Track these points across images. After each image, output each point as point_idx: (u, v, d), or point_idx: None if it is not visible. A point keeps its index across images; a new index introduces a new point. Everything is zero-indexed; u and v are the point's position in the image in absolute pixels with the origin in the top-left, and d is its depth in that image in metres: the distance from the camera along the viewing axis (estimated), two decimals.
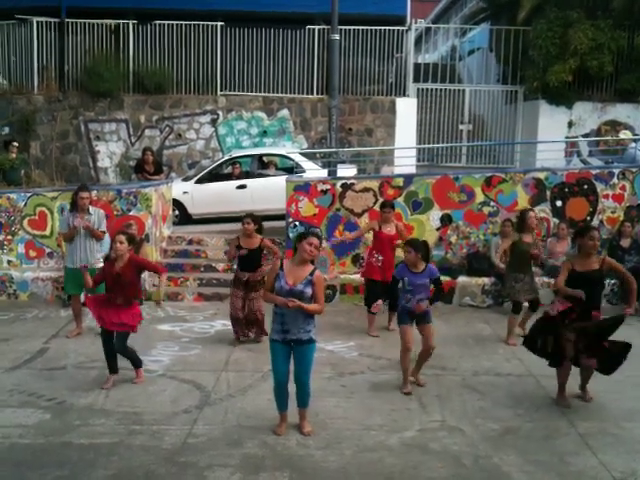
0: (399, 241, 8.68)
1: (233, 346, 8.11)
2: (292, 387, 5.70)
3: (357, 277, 10.05)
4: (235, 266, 8.60)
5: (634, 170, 10.65)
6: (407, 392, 6.64)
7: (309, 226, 10.45)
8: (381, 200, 10.02)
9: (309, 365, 5.64)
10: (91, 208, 8.50)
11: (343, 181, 10.66)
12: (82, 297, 8.39)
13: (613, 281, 9.72)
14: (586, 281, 6.20)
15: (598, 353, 6.21)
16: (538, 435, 5.76)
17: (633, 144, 12.33)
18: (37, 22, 15.91)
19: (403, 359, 6.74)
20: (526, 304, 8.47)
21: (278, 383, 5.66)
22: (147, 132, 15.87)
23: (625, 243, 10.03)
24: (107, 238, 8.58)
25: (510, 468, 5.18)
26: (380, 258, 8.57)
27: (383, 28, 15.92)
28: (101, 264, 7.76)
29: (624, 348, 6.22)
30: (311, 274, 5.48)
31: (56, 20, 15.92)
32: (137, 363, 6.93)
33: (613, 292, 9.83)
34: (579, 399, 6.49)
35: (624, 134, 13.21)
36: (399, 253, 8.42)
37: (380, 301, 8.13)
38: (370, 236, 9.27)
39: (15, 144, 12.96)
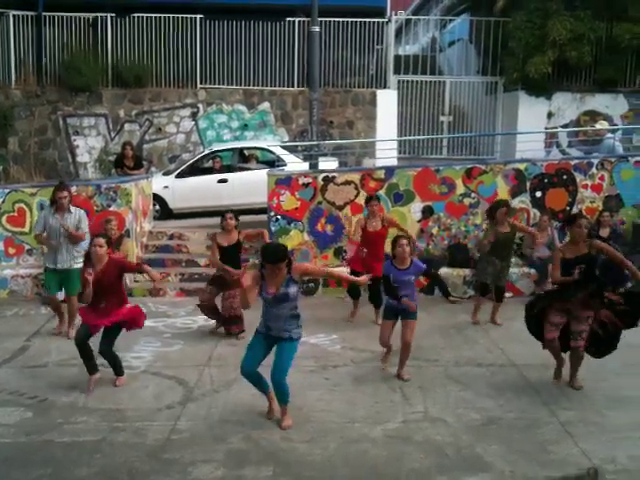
0: (395, 229, 8.68)
1: (216, 341, 8.10)
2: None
3: (340, 270, 10.05)
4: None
5: (613, 160, 10.75)
6: (383, 367, 6.97)
7: (290, 220, 10.47)
8: (364, 194, 10.02)
9: (285, 363, 5.61)
10: (72, 208, 8.32)
11: (325, 174, 10.65)
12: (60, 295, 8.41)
13: None
14: (573, 267, 6.29)
15: (591, 338, 6.34)
16: (520, 425, 5.81)
17: (610, 134, 12.43)
18: (14, 15, 15.74)
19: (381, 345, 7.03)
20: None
21: (241, 370, 5.71)
22: (127, 126, 15.76)
23: (604, 233, 10.10)
24: (88, 237, 8.50)
25: (493, 458, 5.23)
26: (365, 251, 8.57)
27: (363, 20, 15.91)
28: (81, 264, 7.58)
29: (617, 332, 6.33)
30: (288, 272, 5.51)
31: (33, 13, 15.74)
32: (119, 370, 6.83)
33: None
34: (570, 387, 6.56)
35: (600, 124, 13.31)
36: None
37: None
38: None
39: None
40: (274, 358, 5.65)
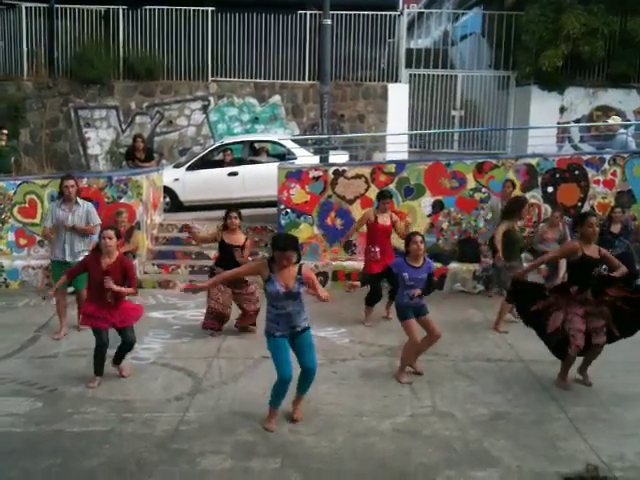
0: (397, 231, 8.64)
1: (223, 335, 8.12)
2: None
3: (349, 263, 10.17)
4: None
5: (625, 156, 10.68)
6: (407, 382, 6.58)
7: (300, 213, 10.46)
8: (377, 189, 9.92)
9: (314, 350, 5.64)
10: (79, 200, 8.18)
11: (335, 168, 10.63)
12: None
13: None
14: (591, 267, 6.25)
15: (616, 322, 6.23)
16: (528, 420, 5.80)
17: (622, 130, 12.35)
18: (26, 8, 15.77)
19: (409, 353, 6.64)
20: None
21: (285, 378, 5.46)
22: (138, 119, 15.79)
23: (615, 229, 10.03)
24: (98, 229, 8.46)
25: (500, 453, 5.22)
26: (377, 250, 8.42)
27: (375, 13, 15.84)
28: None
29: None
30: (299, 272, 5.43)
31: (45, 5, 15.77)
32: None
33: None
34: (578, 383, 6.53)
35: (613, 119, 13.21)
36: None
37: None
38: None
39: (4, 131, 12.83)
40: (301, 349, 5.57)
